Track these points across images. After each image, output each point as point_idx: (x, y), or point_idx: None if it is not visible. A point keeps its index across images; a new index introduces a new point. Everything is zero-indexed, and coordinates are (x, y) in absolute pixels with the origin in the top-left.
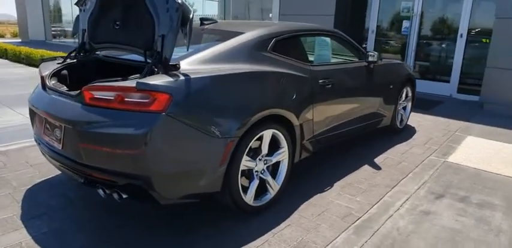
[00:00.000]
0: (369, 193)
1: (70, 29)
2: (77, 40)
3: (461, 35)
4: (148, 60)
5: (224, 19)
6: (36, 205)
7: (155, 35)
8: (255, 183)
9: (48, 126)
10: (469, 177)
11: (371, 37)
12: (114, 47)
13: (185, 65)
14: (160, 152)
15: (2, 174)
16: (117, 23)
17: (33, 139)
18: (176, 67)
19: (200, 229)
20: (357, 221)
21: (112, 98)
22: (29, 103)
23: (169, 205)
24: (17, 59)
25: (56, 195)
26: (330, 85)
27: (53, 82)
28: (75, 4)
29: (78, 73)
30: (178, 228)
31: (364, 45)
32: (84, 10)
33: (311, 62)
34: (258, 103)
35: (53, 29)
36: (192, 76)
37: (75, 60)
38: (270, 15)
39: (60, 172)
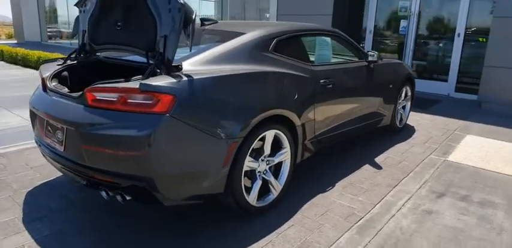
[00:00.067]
0: (371, 193)
1: (65, 30)
2: (73, 41)
3: (458, 34)
4: (151, 61)
5: (221, 19)
6: (37, 208)
7: (157, 35)
8: (258, 183)
9: (49, 128)
10: (469, 176)
11: (369, 37)
12: (115, 48)
13: (187, 66)
14: (164, 153)
15: (2, 176)
16: (119, 23)
17: (32, 141)
18: (179, 68)
19: (203, 230)
20: (360, 221)
21: (115, 99)
22: (30, 105)
23: (173, 206)
24: (13, 60)
25: (57, 197)
26: (330, 85)
27: (54, 83)
28: (75, 5)
29: (79, 74)
30: (182, 230)
31: (361, 45)
32: (83, 11)
33: (312, 62)
34: (261, 103)
35: (48, 30)
36: (195, 77)
37: (75, 62)
38: (267, 15)
39: (60, 174)
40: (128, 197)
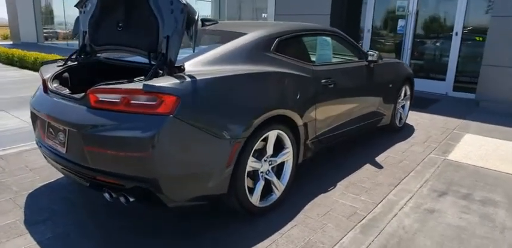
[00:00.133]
0: (373, 192)
1: (62, 30)
2: (69, 42)
3: (456, 33)
4: (153, 62)
5: (219, 19)
6: (39, 210)
7: (159, 36)
8: (261, 183)
9: (51, 130)
10: (469, 174)
11: (367, 36)
12: (117, 49)
13: (190, 67)
14: (167, 154)
15: (2, 178)
16: (120, 24)
17: (31, 142)
18: (181, 69)
19: (207, 231)
20: (363, 221)
21: (118, 101)
22: (31, 107)
23: (176, 207)
24: (10, 61)
25: (58, 199)
26: (332, 85)
27: (55, 85)
28: (75, 6)
29: (79, 75)
30: (185, 231)
31: (359, 44)
32: (84, 12)
33: (313, 62)
34: (263, 104)
35: (44, 30)
36: (198, 78)
37: (76, 63)
38: (264, 15)
39: (61, 175)
40: (131, 199)
